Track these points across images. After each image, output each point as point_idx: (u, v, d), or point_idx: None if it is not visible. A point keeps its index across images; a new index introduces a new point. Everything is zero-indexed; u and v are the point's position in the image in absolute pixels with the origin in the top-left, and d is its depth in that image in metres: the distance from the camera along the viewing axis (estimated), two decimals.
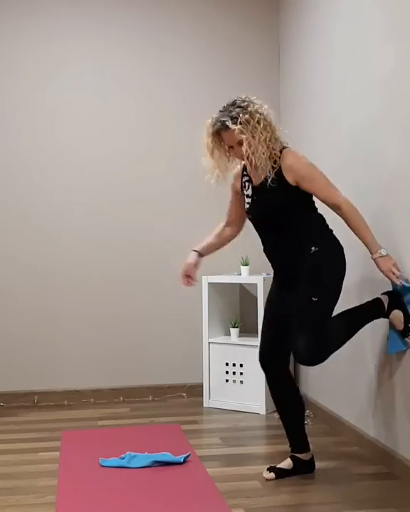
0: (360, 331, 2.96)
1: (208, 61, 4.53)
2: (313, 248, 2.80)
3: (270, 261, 2.99)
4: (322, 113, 3.83)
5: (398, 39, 2.89)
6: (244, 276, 4.26)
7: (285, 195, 2.80)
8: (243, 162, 2.90)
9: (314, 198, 2.88)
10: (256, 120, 2.74)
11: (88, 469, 3.04)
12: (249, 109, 2.75)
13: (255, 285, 4.14)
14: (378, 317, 2.91)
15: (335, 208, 2.79)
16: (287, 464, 2.95)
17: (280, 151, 2.81)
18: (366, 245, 2.79)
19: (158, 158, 4.50)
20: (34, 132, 4.38)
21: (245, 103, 2.78)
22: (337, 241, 2.87)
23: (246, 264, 4.21)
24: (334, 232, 2.90)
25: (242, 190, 2.99)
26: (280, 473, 2.91)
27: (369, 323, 2.97)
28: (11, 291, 4.35)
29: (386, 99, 3.01)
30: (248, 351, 4.10)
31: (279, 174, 2.79)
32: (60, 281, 4.39)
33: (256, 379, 4.05)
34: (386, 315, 2.87)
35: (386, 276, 2.79)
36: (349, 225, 2.80)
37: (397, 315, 2.83)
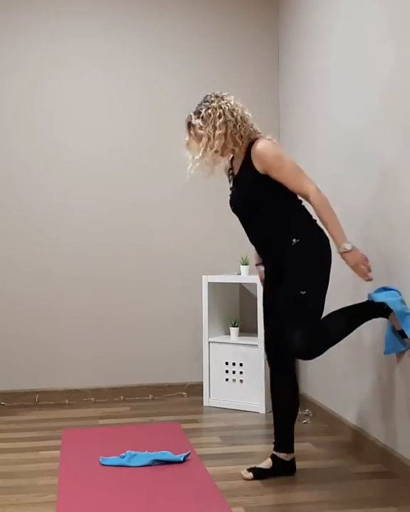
0: (360, 329, 2.97)
1: (208, 61, 4.54)
2: (294, 240, 2.79)
3: (257, 252, 3.03)
4: (321, 113, 3.83)
5: (397, 38, 2.89)
6: (244, 276, 4.27)
7: (257, 185, 2.82)
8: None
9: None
10: (217, 115, 2.81)
11: (89, 468, 3.05)
12: (213, 104, 2.83)
13: (255, 285, 4.15)
14: (377, 316, 2.91)
15: (304, 197, 2.79)
16: (266, 463, 2.95)
17: (253, 142, 2.84)
18: (332, 238, 2.77)
19: (158, 159, 4.50)
20: (33, 133, 4.38)
21: (212, 98, 2.86)
22: (320, 231, 2.84)
23: (246, 264, 4.22)
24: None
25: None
26: (259, 473, 2.91)
27: (369, 323, 2.98)
28: (11, 291, 4.36)
29: (386, 99, 3.01)
30: (247, 351, 4.11)
31: (251, 164, 2.81)
32: (61, 282, 4.40)
33: (256, 378, 4.06)
34: (386, 315, 2.88)
35: (355, 271, 2.77)
36: (317, 215, 2.78)
37: (395, 316, 2.82)
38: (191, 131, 2.89)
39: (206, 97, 2.88)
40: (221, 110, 2.81)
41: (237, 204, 2.95)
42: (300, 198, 2.89)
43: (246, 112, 2.88)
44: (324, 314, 2.83)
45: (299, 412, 3.90)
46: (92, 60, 4.45)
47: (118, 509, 2.59)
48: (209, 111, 2.82)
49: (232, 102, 2.85)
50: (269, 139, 2.84)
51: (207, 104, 2.84)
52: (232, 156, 2.93)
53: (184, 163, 4.45)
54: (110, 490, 2.77)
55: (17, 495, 2.76)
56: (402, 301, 2.82)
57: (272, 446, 3.00)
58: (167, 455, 3.12)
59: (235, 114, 2.82)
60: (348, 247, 2.73)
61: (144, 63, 4.51)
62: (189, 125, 2.89)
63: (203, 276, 4.27)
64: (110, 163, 4.46)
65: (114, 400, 4.39)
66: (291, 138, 4.33)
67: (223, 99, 2.84)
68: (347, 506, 2.59)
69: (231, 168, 2.99)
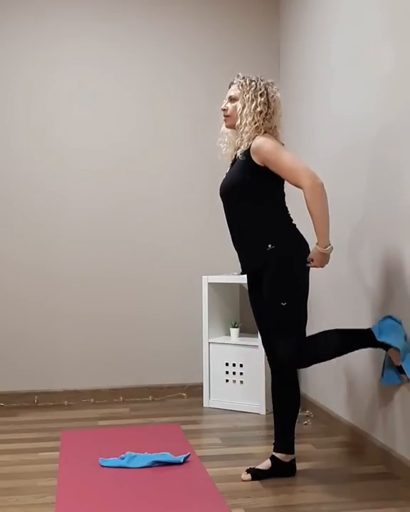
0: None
1: (208, 60, 4.53)
2: (270, 246, 2.76)
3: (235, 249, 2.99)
4: (322, 112, 3.82)
5: (398, 37, 2.89)
6: (244, 276, 4.24)
7: (246, 174, 2.79)
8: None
9: (279, 191, 2.85)
10: (260, 92, 2.82)
11: (88, 469, 3.04)
12: (258, 82, 2.85)
13: None
14: (376, 347, 2.88)
15: (301, 189, 2.71)
16: (265, 464, 2.93)
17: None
18: (316, 234, 2.69)
19: (158, 159, 4.50)
20: (34, 132, 4.37)
21: (261, 78, 2.89)
22: (297, 237, 2.80)
23: None
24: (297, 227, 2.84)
25: None
26: (257, 474, 2.89)
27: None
28: (11, 290, 4.35)
29: (386, 98, 3.01)
30: (248, 351, 4.10)
31: (248, 155, 2.79)
32: (60, 281, 4.39)
33: (256, 379, 4.05)
34: (386, 348, 2.84)
35: (312, 265, 2.73)
36: (307, 208, 2.69)
37: (395, 352, 2.80)
38: (231, 90, 2.89)
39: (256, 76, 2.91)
40: (263, 90, 2.83)
41: (221, 190, 2.92)
42: (285, 202, 2.85)
43: (280, 110, 2.88)
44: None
45: (299, 413, 3.91)
46: (93, 59, 4.44)
47: (117, 511, 2.57)
48: (252, 83, 2.84)
49: (277, 95, 2.87)
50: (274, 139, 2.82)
51: (255, 79, 2.87)
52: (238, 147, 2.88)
53: (183, 165, 4.51)
54: (110, 491, 2.76)
55: (16, 496, 2.75)
56: (405, 338, 2.79)
57: (272, 447, 2.99)
58: (167, 456, 3.11)
59: (273, 104, 2.83)
60: (329, 249, 2.69)
61: (145, 63, 4.50)
62: (230, 84, 2.91)
63: (203, 277, 4.26)
64: (110, 163, 4.45)
65: (114, 401, 4.38)
66: (292, 137, 4.31)
67: (270, 84, 2.88)
68: (348, 508, 2.58)
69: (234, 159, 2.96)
